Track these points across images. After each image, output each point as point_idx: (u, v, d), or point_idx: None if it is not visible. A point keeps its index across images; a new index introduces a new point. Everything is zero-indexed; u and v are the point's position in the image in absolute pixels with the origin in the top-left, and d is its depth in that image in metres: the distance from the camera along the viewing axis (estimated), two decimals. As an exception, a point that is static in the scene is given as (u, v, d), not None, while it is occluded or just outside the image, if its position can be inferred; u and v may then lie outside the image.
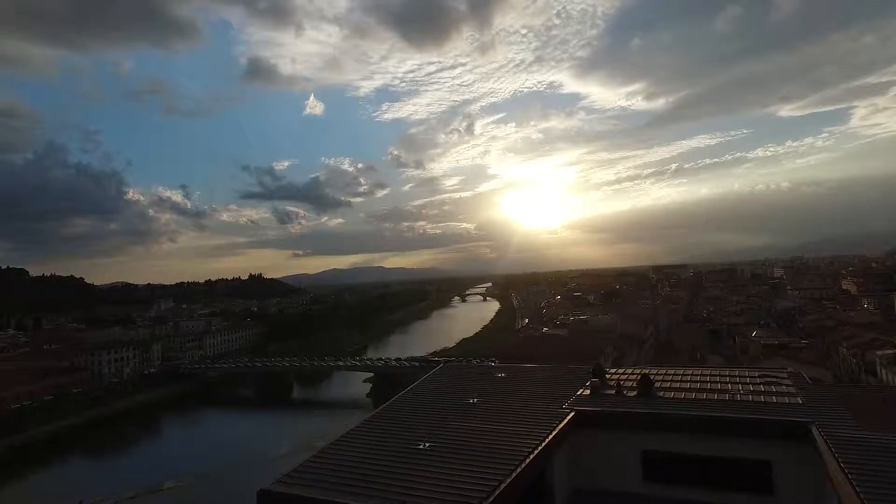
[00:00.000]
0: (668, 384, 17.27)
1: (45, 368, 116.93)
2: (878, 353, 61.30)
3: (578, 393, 16.46)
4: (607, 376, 18.56)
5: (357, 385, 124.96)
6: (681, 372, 18.91)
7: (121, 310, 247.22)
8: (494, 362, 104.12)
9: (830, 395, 14.97)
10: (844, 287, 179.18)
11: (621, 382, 16.79)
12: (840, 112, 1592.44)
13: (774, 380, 16.50)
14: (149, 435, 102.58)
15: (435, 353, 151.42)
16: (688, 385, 16.88)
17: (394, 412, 15.78)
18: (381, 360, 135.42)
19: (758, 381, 16.76)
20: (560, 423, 13.88)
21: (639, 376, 17.81)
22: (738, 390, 15.75)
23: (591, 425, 14.44)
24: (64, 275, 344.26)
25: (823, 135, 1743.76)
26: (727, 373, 18.33)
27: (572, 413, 14.45)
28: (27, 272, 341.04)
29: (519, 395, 16.76)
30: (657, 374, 18.54)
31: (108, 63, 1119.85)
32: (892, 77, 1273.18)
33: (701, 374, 18.37)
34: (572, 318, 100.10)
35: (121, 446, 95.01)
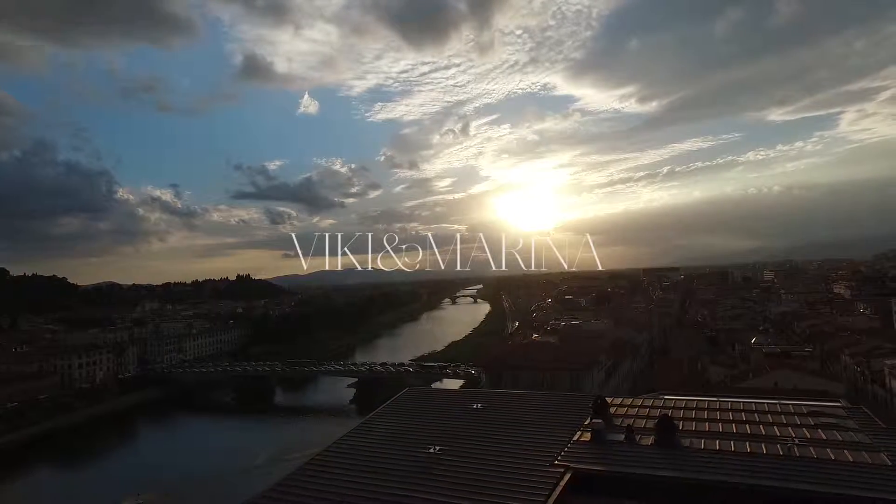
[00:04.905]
0: (691, 422, 13.21)
1: (10, 373, 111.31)
2: (887, 362, 57.85)
3: (576, 437, 12.37)
4: (613, 410, 14.51)
5: (342, 390, 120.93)
6: (705, 404, 14.82)
7: (104, 311, 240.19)
8: (479, 371, 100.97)
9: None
10: (836, 291, 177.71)
11: (632, 424, 12.68)
12: (830, 116, 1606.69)
13: (834, 421, 12.47)
14: (114, 445, 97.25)
15: (423, 358, 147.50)
16: (719, 426, 12.77)
17: (324, 469, 11.56)
18: (366, 364, 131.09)
19: (810, 420, 12.73)
20: (552, 490, 9.78)
21: (652, 411, 13.77)
22: (791, 435, 11.68)
23: (594, 492, 10.33)
24: (49, 275, 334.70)
25: (813, 139, 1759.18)
26: (766, 406, 14.26)
27: (568, 474, 10.35)
28: (8, 271, 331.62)
29: (496, 440, 12.60)
30: (675, 407, 14.49)
31: (101, 59, 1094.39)
32: (881, 82, 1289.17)
33: (731, 407, 14.33)
34: (563, 323, 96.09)
35: (82, 458, 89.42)
